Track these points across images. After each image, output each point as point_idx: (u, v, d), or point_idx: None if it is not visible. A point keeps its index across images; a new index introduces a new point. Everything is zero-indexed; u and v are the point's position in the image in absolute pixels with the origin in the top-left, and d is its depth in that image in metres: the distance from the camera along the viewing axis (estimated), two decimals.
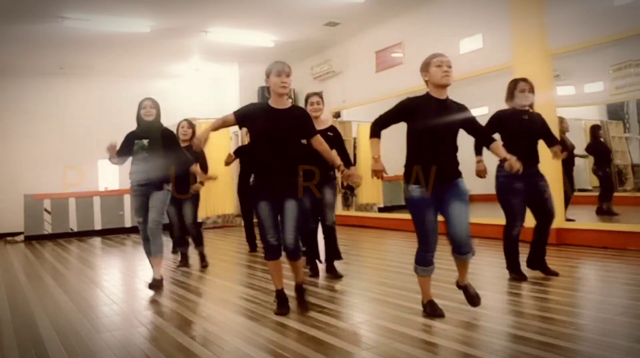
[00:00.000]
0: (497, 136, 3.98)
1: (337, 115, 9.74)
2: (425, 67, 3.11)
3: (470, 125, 3.15)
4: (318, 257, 4.81)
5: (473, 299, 3.20)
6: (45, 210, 9.30)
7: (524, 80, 3.99)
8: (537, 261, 4.17)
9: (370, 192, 9.60)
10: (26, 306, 3.98)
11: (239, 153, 6.14)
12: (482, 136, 3.26)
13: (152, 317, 3.50)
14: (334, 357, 2.55)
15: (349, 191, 9.94)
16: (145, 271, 5.54)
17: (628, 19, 5.18)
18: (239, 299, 3.87)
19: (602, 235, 5.53)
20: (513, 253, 4.08)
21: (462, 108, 3.12)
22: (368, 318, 3.31)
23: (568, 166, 6.91)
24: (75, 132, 10.41)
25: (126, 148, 4.36)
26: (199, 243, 5.49)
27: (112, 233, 9.47)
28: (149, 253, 4.46)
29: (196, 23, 7.90)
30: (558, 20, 5.83)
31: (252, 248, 6.40)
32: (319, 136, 3.41)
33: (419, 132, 3.01)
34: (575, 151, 7.09)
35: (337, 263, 4.68)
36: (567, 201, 6.70)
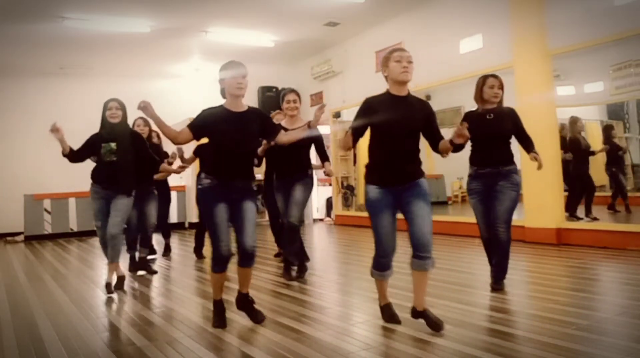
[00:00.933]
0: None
1: (337, 115, 9.74)
2: (384, 63, 2.93)
3: (428, 124, 2.92)
4: (302, 258, 4.67)
5: (436, 325, 2.83)
6: (45, 210, 9.30)
7: (494, 76, 3.81)
8: (494, 276, 3.84)
9: None
10: (26, 306, 3.98)
11: (200, 151, 5.69)
12: (434, 140, 2.97)
13: (152, 317, 3.50)
14: (334, 357, 2.55)
15: (349, 191, 9.95)
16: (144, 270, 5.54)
17: (628, 19, 5.19)
18: None
19: (602, 235, 5.53)
20: (489, 255, 3.91)
21: (424, 105, 2.96)
22: (368, 318, 3.30)
23: (584, 165, 6.96)
24: (75, 132, 10.39)
25: (87, 149, 4.22)
26: (146, 245, 5.36)
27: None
28: (111, 259, 4.29)
29: (196, 23, 7.90)
30: (558, 20, 5.83)
31: (201, 255, 6.12)
32: (281, 131, 3.29)
33: (379, 131, 2.86)
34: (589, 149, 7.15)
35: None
36: (590, 199, 6.75)
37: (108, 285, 4.24)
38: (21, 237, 9.10)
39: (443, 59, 7.25)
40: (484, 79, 3.82)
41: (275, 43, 8.99)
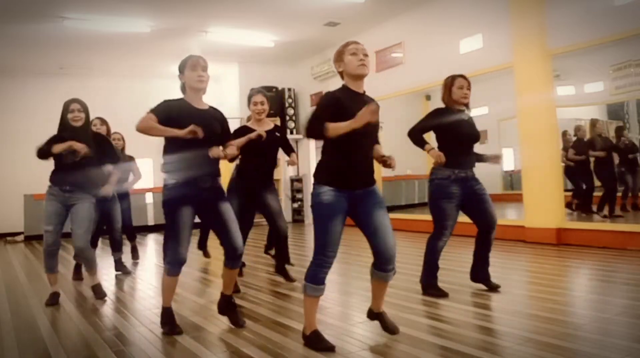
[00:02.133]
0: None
1: None
2: (339, 57, 2.74)
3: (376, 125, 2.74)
4: (288, 261, 4.71)
5: (391, 328, 2.81)
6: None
7: (462, 76, 3.73)
8: (479, 273, 3.87)
9: None
10: (26, 306, 3.98)
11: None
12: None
13: (152, 317, 3.50)
14: (334, 357, 2.55)
15: None
16: (144, 271, 5.54)
17: (628, 19, 5.19)
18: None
19: (602, 235, 5.53)
20: (433, 267, 3.77)
21: (377, 105, 2.68)
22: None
23: (608, 165, 7.01)
24: None
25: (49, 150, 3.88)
26: (118, 249, 5.30)
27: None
28: (51, 269, 3.99)
29: (196, 23, 7.90)
30: (558, 20, 5.83)
31: (207, 253, 5.94)
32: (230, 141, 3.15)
33: None
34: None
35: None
36: (613, 197, 6.85)
37: (54, 295, 4.00)
38: (21, 237, 9.09)
39: (443, 59, 7.25)
40: (452, 79, 3.74)
41: (275, 43, 8.99)
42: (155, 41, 8.58)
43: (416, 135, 3.66)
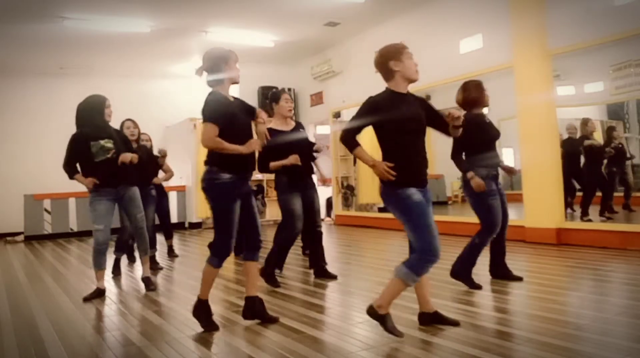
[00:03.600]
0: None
1: (337, 115, 9.74)
2: (396, 56, 2.73)
3: (431, 113, 2.84)
4: (323, 260, 4.65)
5: (452, 321, 2.91)
6: (45, 210, 9.30)
7: (480, 82, 4.02)
8: (499, 270, 4.03)
9: (370, 192, 9.62)
10: (26, 306, 3.98)
11: None
12: (443, 125, 2.85)
13: (152, 317, 3.50)
14: (335, 357, 2.55)
15: (349, 191, 9.95)
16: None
17: (628, 19, 5.19)
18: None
19: (602, 235, 5.53)
20: (473, 261, 3.91)
21: (422, 101, 2.88)
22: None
23: (596, 165, 7.00)
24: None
25: (78, 153, 4.02)
26: (154, 245, 5.35)
27: (112, 233, 9.44)
28: (101, 266, 4.12)
29: (196, 23, 7.90)
30: (558, 20, 5.83)
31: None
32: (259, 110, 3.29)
33: (393, 132, 2.73)
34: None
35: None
36: (607, 198, 6.85)
37: (148, 280, 4.34)
38: (21, 237, 9.09)
39: (443, 59, 7.25)
40: (482, 84, 3.94)
41: (275, 43, 8.99)
42: (155, 41, 8.58)
43: (462, 165, 3.86)
